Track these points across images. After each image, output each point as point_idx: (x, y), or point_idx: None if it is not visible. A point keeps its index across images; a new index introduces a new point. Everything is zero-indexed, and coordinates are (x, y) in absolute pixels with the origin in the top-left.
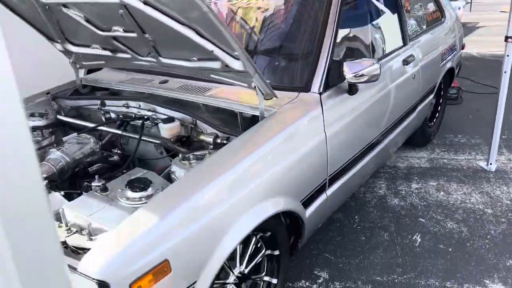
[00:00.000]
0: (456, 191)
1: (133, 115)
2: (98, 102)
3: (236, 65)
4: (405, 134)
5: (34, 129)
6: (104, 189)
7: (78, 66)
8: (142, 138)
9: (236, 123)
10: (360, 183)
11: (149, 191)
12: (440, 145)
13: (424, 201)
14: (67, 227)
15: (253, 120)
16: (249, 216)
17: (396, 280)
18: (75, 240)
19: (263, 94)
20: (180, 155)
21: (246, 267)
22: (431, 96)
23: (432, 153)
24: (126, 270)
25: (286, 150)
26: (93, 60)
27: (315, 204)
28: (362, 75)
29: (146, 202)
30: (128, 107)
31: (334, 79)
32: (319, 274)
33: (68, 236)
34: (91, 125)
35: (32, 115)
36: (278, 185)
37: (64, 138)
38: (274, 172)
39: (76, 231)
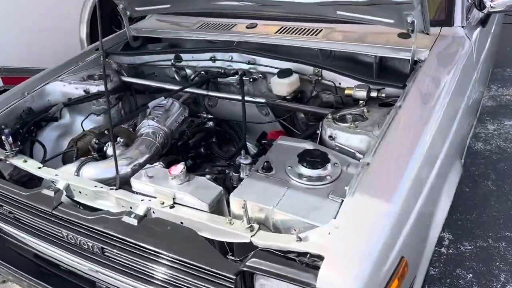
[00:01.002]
0: None
1: (222, 70)
2: (161, 56)
3: None
4: None
5: (99, 95)
6: (268, 168)
7: (129, 13)
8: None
9: (367, 71)
10: None
11: (329, 167)
12: (493, 81)
13: (510, 142)
14: (249, 224)
15: (382, 65)
16: (447, 188)
17: None
18: (270, 241)
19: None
20: (329, 116)
21: None
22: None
23: (489, 91)
24: (376, 281)
25: (456, 102)
26: (152, 4)
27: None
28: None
29: (330, 182)
30: (215, 60)
31: (469, 10)
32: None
33: (253, 235)
34: (167, 86)
35: (90, 77)
36: (457, 145)
37: (150, 104)
38: (454, 129)
39: (259, 227)
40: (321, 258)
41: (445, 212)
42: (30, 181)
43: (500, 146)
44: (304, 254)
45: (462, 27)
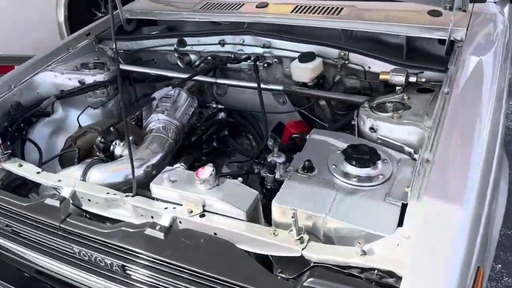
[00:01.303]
0: None
1: (232, 55)
2: (163, 41)
3: None
4: None
5: (96, 85)
6: (310, 167)
7: None
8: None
9: (394, 53)
10: None
11: (379, 165)
12: None
13: None
14: (299, 236)
15: (410, 46)
16: (502, 182)
17: None
18: (326, 255)
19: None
20: (366, 104)
21: None
22: None
23: None
24: None
25: (501, 86)
26: None
27: None
28: None
29: (382, 183)
30: (224, 44)
31: None
32: None
33: (305, 247)
34: (170, 74)
35: (84, 65)
36: (503, 134)
37: (156, 95)
38: (502, 116)
39: (309, 238)
40: (391, 274)
41: (503, 208)
42: (24, 186)
43: (509, 127)
44: (369, 269)
45: (495, 2)
